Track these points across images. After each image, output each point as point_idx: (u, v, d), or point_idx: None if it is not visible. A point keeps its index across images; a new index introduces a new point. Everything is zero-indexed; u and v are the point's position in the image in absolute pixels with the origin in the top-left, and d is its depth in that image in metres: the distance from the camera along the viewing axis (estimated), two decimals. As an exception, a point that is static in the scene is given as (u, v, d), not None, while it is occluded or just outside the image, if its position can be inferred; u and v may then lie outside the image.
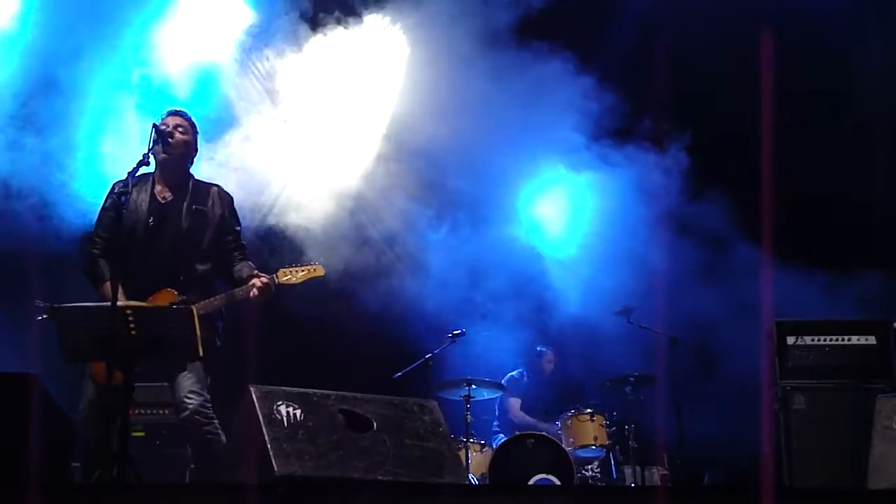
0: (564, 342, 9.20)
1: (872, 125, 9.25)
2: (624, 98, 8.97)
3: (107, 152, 7.74)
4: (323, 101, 8.49)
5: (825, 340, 7.01)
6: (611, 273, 9.04)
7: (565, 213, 9.54)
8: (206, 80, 8.14)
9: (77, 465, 5.58)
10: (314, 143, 8.52)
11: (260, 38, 8.36)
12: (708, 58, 8.68)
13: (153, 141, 5.67)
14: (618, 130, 9.13)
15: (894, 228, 8.87)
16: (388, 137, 8.64)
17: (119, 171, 7.17)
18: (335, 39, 8.46)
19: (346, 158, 8.61)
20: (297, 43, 8.39)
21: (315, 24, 8.43)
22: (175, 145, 5.76)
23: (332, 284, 8.03)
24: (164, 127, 5.73)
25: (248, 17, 8.31)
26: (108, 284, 5.56)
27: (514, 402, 8.81)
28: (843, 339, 7.00)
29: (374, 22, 8.53)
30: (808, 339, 7.02)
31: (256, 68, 8.41)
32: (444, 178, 8.80)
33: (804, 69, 8.72)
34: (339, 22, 8.46)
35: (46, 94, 7.77)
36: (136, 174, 5.44)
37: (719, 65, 8.76)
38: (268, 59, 8.41)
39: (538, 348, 9.08)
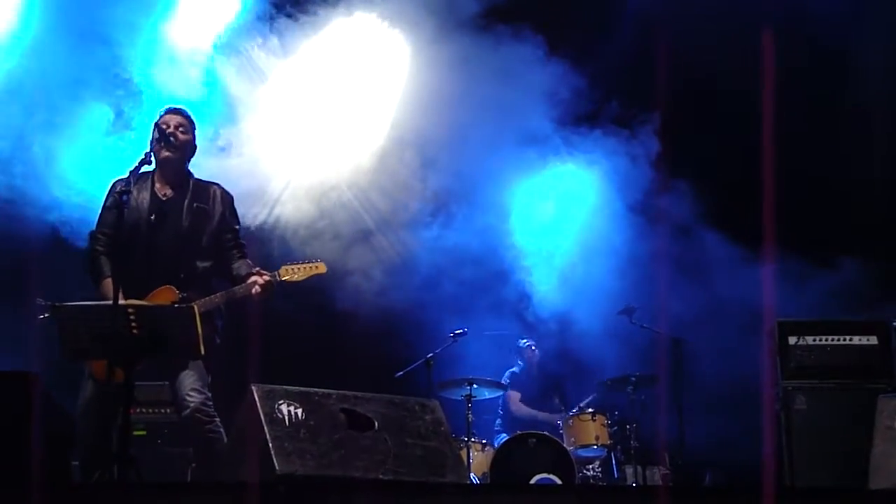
0: (550, 337, 9.19)
1: (868, 117, 9.20)
2: (611, 87, 8.97)
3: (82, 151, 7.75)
4: (304, 96, 8.48)
5: (827, 340, 7.00)
6: (598, 266, 9.05)
7: (547, 204, 9.49)
8: (195, 75, 8.11)
9: (76, 463, 5.58)
10: (307, 138, 8.51)
11: (244, 31, 8.33)
12: (695, 42, 8.63)
13: (155, 140, 5.69)
14: (599, 118, 9.11)
15: (873, 219, 8.86)
16: (375, 132, 8.62)
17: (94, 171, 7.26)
18: (319, 37, 8.43)
19: (338, 153, 8.61)
20: (265, 36, 8.37)
21: (269, 16, 8.39)
22: (178, 145, 5.75)
23: (332, 282, 8.05)
24: (164, 126, 5.72)
25: (234, 8, 8.28)
26: (107, 281, 5.57)
27: (514, 395, 8.85)
28: (844, 339, 6.99)
29: (362, 19, 8.51)
30: (809, 339, 7.01)
31: (245, 61, 8.37)
32: (431, 172, 8.76)
33: (798, 63, 8.72)
34: (289, 17, 8.41)
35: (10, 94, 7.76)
36: (138, 172, 5.44)
37: (705, 52, 8.70)
38: (254, 55, 8.37)
39: (520, 343, 9.09)
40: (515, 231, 9.35)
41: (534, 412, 8.74)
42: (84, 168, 7.69)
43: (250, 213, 8.03)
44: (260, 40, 8.33)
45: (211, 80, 8.20)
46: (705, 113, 8.87)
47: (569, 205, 9.46)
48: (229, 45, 8.27)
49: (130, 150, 7.59)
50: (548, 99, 8.83)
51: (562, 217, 9.48)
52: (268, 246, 8.14)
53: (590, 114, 9.06)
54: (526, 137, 9.02)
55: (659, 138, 9.05)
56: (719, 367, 8.32)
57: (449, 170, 8.75)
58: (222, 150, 7.90)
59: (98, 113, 7.83)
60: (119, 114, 7.89)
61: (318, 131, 8.55)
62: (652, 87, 8.62)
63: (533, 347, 9.08)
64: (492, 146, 8.87)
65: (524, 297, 9.34)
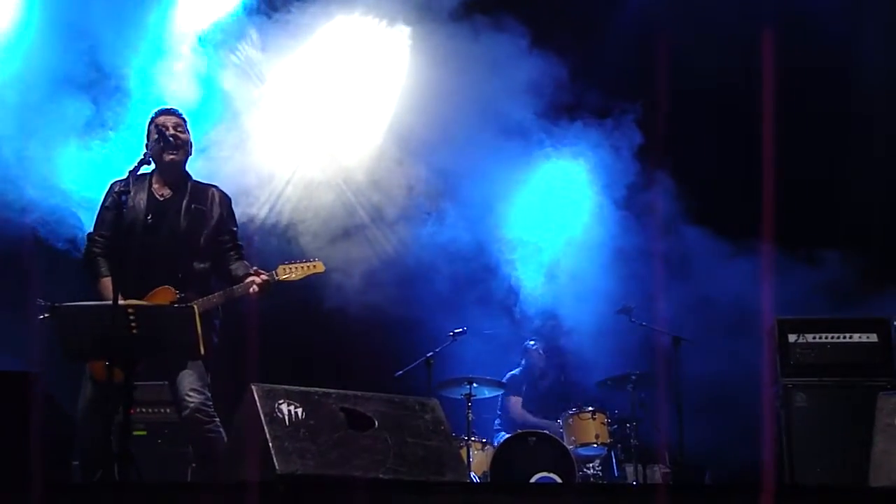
0: (549, 336, 9.17)
1: (860, 114, 9.19)
2: (598, 79, 8.94)
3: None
4: (292, 94, 8.46)
5: (826, 338, 7.01)
6: (587, 262, 9.05)
7: (535, 197, 9.44)
8: (192, 73, 8.11)
9: (76, 464, 5.58)
10: (297, 136, 8.50)
11: (230, 28, 8.30)
12: (687, 37, 8.61)
13: (153, 141, 5.68)
14: (582, 111, 9.08)
15: (859, 217, 8.86)
16: (367, 128, 8.61)
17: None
18: (306, 35, 8.41)
19: (330, 151, 8.60)
20: (248, 33, 8.35)
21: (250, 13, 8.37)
22: (180, 144, 5.76)
23: (331, 281, 8.04)
24: (163, 128, 5.72)
25: (226, 6, 8.26)
26: (105, 281, 5.58)
27: (515, 401, 8.79)
28: (844, 337, 7.00)
29: (350, 17, 8.49)
30: (809, 337, 7.02)
31: (229, 57, 8.34)
32: (424, 168, 8.74)
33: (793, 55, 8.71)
34: (264, 14, 8.37)
35: None
36: (136, 173, 5.44)
37: (698, 46, 8.67)
38: (238, 51, 8.35)
39: (528, 344, 9.09)
40: (504, 225, 9.29)
41: (535, 420, 8.62)
42: (64, 169, 7.68)
43: (247, 213, 8.03)
44: (246, 36, 8.30)
45: (198, 78, 8.17)
46: (695, 108, 8.83)
47: (556, 198, 9.41)
48: (215, 42, 8.25)
49: (110, 151, 7.62)
50: (533, 91, 8.80)
51: (550, 211, 9.43)
52: (262, 245, 8.12)
53: (574, 105, 9.04)
54: (511, 130, 8.96)
55: (646, 131, 9.02)
56: (719, 365, 8.31)
57: (441, 166, 8.72)
58: (202, 150, 7.86)
59: (77, 113, 7.79)
60: (98, 114, 7.85)
61: (308, 129, 8.53)
62: (639, 79, 8.63)
63: (540, 351, 9.06)
64: (479, 140, 8.81)
65: (512, 293, 9.33)
